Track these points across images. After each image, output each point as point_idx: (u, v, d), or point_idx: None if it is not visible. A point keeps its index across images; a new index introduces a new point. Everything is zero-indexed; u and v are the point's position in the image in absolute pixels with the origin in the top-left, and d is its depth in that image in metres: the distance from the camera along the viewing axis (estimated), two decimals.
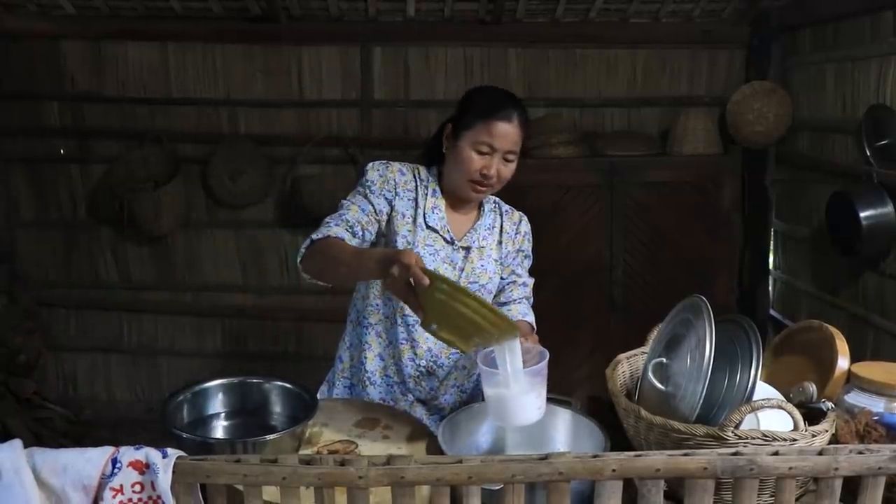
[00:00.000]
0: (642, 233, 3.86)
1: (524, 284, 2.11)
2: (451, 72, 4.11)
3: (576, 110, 4.16)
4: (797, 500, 1.36)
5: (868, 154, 3.08)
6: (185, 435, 1.54)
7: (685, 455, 1.23)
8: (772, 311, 4.20)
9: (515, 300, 2.08)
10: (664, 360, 1.61)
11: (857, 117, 3.19)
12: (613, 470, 1.21)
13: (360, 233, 1.91)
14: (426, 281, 1.44)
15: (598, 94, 4.16)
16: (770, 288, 4.24)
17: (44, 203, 4.25)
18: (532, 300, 2.13)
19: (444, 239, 2.00)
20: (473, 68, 4.12)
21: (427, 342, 1.99)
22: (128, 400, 4.43)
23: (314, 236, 1.85)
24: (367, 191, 1.98)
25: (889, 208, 2.94)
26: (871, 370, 1.68)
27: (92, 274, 4.31)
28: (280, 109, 4.14)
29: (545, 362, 1.56)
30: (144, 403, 4.38)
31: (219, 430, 1.73)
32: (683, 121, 3.93)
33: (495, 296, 2.09)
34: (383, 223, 1.99)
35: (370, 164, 2.02)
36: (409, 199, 2.00)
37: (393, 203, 1.98)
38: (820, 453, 1.24)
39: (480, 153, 1.90)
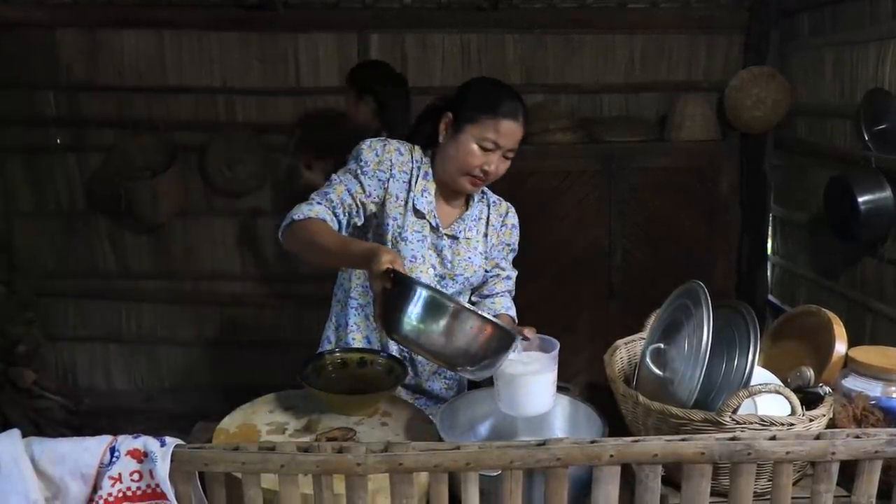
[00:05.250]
0: (640, 219, 3.86)
1: (507, 278, 2.08)
2: (448, 58, 4.09)
3: (574, 96, 4.14)
4: (794, 484, 1.37)
5: (866, 139, 3.07)
6: None
7: (683, 440, 1.23)
8: (770, 297, 4.20)
9: (499, 293, 2.05)
10: (662, 345, 1.61)
11: (855, 102, 3.17)
12: (611, 455, 1.22)
13: (342, 215, 1.83)
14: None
15: (596, 80, 4.14)
16: (768, 273, 4.24)
17: (41, 193, 4.23)
18: (514, 292, 2.10)
19: (430, 225, 1.94)
20: (471, 55, 4.10)
21: None
22: (127, 389, 4.42)
23: (295, 216, 1.75)
24: (360, 170, 1.88)
25: (887, 193, 2.93)
26: (869, 355, 1.68)
27: (90, 263, 4.30)
28: (277, 97, 4.12)
29: (556, 351, 1.58)
30: (143, 393, 4.39)
31: None
32: (681, 106, 3.91)
33: (477, 288, 2.06)
34: (372, 206, 1.89)
35: (367, 142, 1.92)
36: (403, 182, 1.91)
37: (387, 185, 1.89)
38: (817, 438, 1.24)
39: (484, 149, 1.84)
